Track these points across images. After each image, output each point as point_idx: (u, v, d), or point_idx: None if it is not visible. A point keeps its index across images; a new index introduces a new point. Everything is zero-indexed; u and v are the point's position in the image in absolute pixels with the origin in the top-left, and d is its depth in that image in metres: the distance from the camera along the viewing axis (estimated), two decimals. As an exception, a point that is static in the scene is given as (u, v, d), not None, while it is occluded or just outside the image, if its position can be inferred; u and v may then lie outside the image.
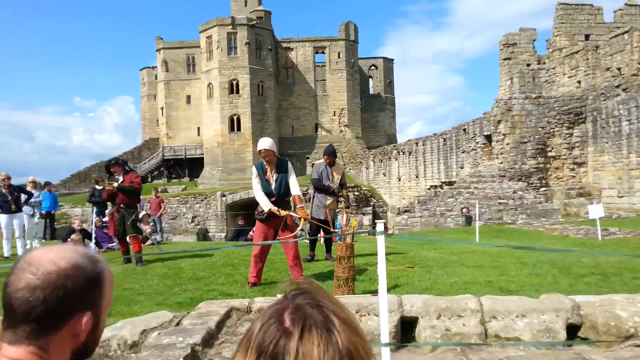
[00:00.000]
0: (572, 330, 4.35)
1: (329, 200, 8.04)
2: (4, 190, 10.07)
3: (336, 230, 8.23)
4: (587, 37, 29.47)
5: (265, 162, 6.18)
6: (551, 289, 5.50)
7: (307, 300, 0.78)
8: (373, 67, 59.62)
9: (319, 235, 8.65)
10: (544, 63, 30.29)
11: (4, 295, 0.94)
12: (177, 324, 4.08)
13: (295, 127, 52.43)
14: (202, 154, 48.86)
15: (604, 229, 11.83)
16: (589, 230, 12.64)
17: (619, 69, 24.73)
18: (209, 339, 3.77)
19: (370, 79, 59.76)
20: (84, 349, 0.98)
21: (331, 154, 8.24)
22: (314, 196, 8.19)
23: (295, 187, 6.28)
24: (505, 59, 30.32)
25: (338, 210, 8.59)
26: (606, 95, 21.21)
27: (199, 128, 52.13)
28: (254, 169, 6.24)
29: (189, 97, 54.09)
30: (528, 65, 30.23)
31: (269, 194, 6.13)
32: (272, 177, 6.16)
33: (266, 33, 48.69)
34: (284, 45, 53.01)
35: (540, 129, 22.65)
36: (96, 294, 0.96)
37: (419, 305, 4.47)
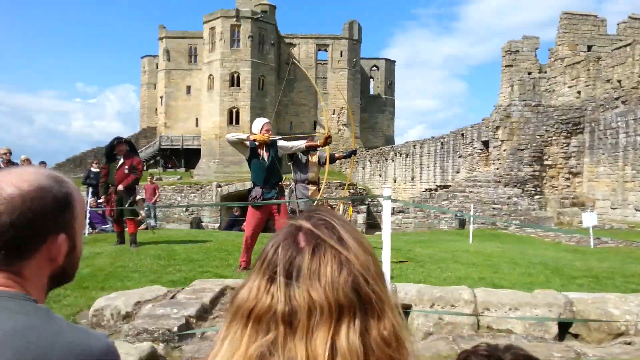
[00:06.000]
0: (564, 326, 4.37)
1: (311, 190, 7.92)
2: (2, 165, 9.99)
3: None
4: (589, 48, 29.60)
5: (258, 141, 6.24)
6: (543, 287, 5.52)
7: (321, 222, 0.77)
8: (375, 68, 59.58)
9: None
10: (545, 72, 30.40)
11: None
12: (172, 298, 4.08)
13: (294, 123, 52.31)
14: (199, 145, 48.63)
15: (597, 238, 11.91)
16: (581, 238, 12.71)
17: (619, 81, 24.85)
18: (203, 313, 3.76)
19: (372, 80, 59.73)
20: (62, 273, 0.95)
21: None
22: (295, 188, 7.95)
23: (297, 142, 6.57)
24: (507, 66, 30.42)
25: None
26: (605, 107, 21.30)
27: (197, 119, 51.88)
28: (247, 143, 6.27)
29: (189, 87, 53.85)
30: (529, 73, 30.33)
31: (260, 173, 6.19)
32: (265, 155, 6.19)
33: (270, 27, 48.53)
34: (287, 40, 52.88)
35: (538, 137, 22.72)
36: (67, 215, 0.92)
37: (413, 293, 4.49)
